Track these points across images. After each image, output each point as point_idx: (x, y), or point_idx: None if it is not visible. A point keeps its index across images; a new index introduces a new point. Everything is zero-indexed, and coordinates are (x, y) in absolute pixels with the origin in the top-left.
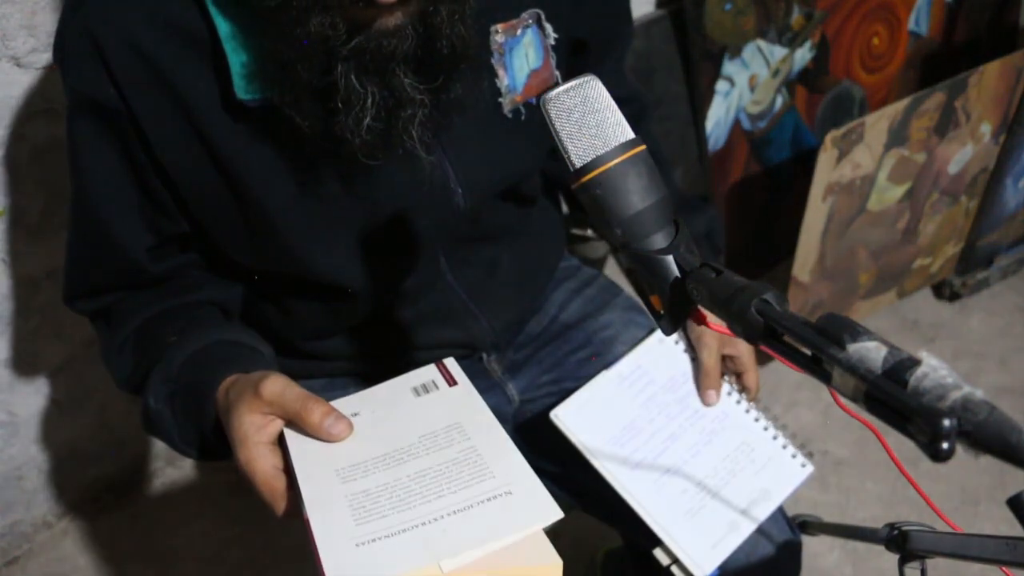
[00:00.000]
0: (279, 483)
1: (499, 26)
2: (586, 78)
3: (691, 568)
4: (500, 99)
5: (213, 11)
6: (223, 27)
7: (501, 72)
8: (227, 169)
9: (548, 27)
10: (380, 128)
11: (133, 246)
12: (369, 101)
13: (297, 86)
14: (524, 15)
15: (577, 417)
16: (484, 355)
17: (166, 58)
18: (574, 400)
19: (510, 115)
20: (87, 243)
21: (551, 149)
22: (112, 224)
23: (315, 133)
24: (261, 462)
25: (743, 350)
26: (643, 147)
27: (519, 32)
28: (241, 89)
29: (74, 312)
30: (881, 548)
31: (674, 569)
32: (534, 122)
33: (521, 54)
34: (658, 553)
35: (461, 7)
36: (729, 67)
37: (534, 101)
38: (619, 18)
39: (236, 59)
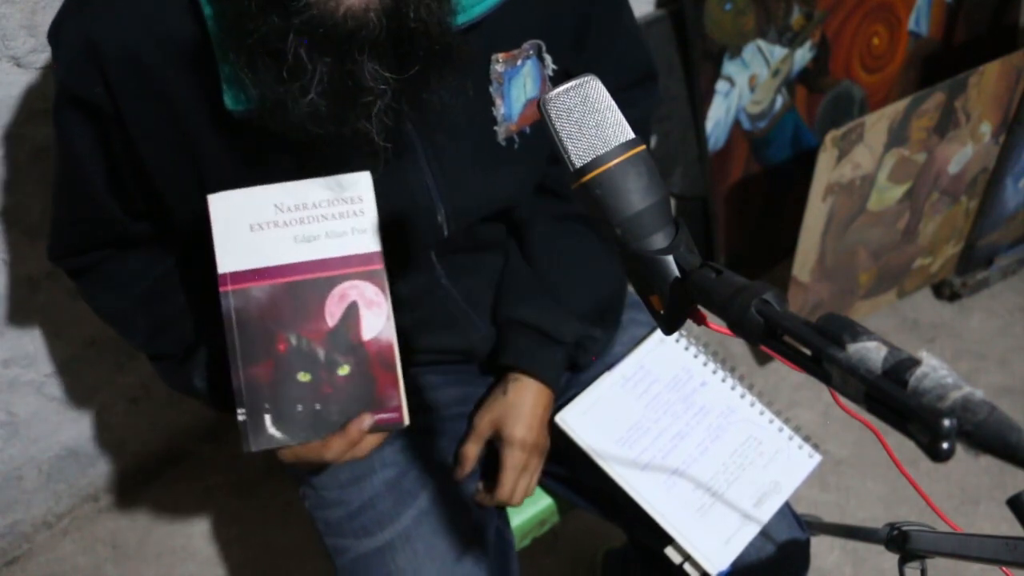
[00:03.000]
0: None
1: (500, 55)
2: (586, 78)
3: (704, 565)
4: (495, 127)
5: (208, 13)
6: (215, 33)
7: (499, 101)
8: (208, 176)
9: (548, 58)
10: (325, 105)
11: (116, 213)
12: (315, 79)
13: (252, 39)
14: (525, 45)
15: (583, 419)
16: (482, 359)
17: (161, 68)
18: (579, 403)
19: (504, 143)
20: (72, 207)
21: (550, 157)
22: (96, 195)
23: (265, 102)
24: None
25: (511, 441)
26: (643, 147)
27: (519, 62)
28: (230, 100)
29: (58, 268)
30: (881, 548)
31: (687, 567)
32: (527, 150)
33: (520, 84)
34: (670, 552)
35: None
36: (729, 67)
37: (528, 130)
38: (622, 57)
39: (227, 69)
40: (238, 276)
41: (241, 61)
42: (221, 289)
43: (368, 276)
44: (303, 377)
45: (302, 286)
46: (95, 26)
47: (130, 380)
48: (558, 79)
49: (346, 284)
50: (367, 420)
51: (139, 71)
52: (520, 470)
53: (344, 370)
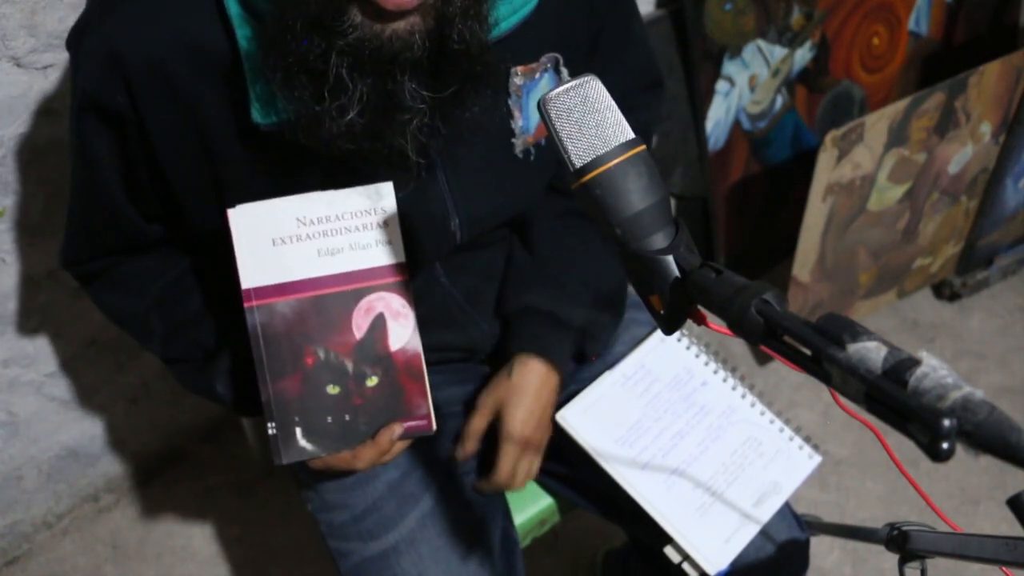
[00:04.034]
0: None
1: (519, 68)
2: (586, 78)
3: (703, 565)
4: (513, 139)
5: (243, 33)
6: (245, 44)
7: (517, 114)
8: (229, 186)
9: (564, 71)
10: (363, 123)
11: (134, 219)
12: (356, 96)
13: (291, 59)
14: (543, 59)
15: (583, 418)
16: (483, 356)
17: (186, 78)
18: (579, 401)
19: (520, 155)
20: (90, 213)
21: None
22: (115, 202)
23: (301, 118)
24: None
25: (511, 424)
26: (643, 147)
27: (537, 75)
28: (258, 113)
29: (70, 273)
30: (881, 548)
31: (685, 566)
32: (541, 161)
33: (537, 97)
34: (669, 551)
35: (477, 4)
36: (729, 67)
37: (543, 142)
38: (635, 72)
39: (255, 82)
40: (262, 291)
41: (277, 79)
42: (246, 304)
43: (394, 288)
44: (332, 389)
45: (328, 300)
46: (119, 36)
47: (130, 380)
48: None
49: (372, 296)
50: (397, 429)
51: (163, 80)
52: (519, 451)
53: (372, 381)
